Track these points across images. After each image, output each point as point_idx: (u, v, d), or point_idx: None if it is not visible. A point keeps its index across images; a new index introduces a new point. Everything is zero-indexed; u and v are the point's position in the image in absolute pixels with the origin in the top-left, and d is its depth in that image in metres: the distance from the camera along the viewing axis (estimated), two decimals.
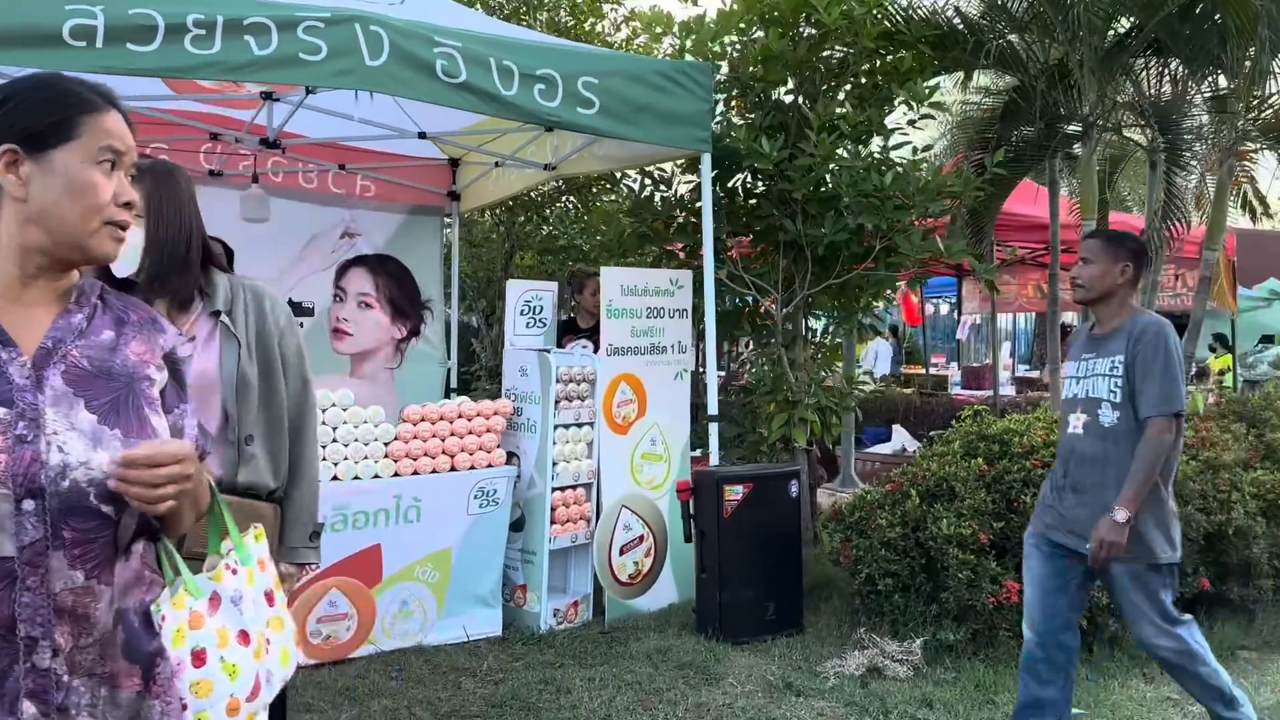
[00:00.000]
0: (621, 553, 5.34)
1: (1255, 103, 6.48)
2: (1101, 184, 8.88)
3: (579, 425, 5.27)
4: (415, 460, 4.75)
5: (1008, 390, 11.52)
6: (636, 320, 5.47)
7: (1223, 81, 6.36)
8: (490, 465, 4.95)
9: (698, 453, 5.76)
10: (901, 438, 9.01)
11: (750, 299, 6.04)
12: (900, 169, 5.49)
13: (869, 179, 5.38)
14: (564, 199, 9.40)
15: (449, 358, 7.87)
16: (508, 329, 5.31)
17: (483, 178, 7.53)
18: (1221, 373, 11.41)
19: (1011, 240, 9.59)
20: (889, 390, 10.53)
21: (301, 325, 5.78)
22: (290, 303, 5.62)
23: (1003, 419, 4.97)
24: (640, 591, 5.43)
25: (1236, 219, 10.15)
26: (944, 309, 19.58)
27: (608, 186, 8.99)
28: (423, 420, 4.82)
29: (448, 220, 8.08)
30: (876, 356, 16.29)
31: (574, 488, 5.24)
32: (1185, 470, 4.71)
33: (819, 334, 6.31)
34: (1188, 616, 3.44)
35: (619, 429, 5.40)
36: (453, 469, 4.86)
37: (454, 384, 7.83)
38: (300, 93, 5.91)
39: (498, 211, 9.14)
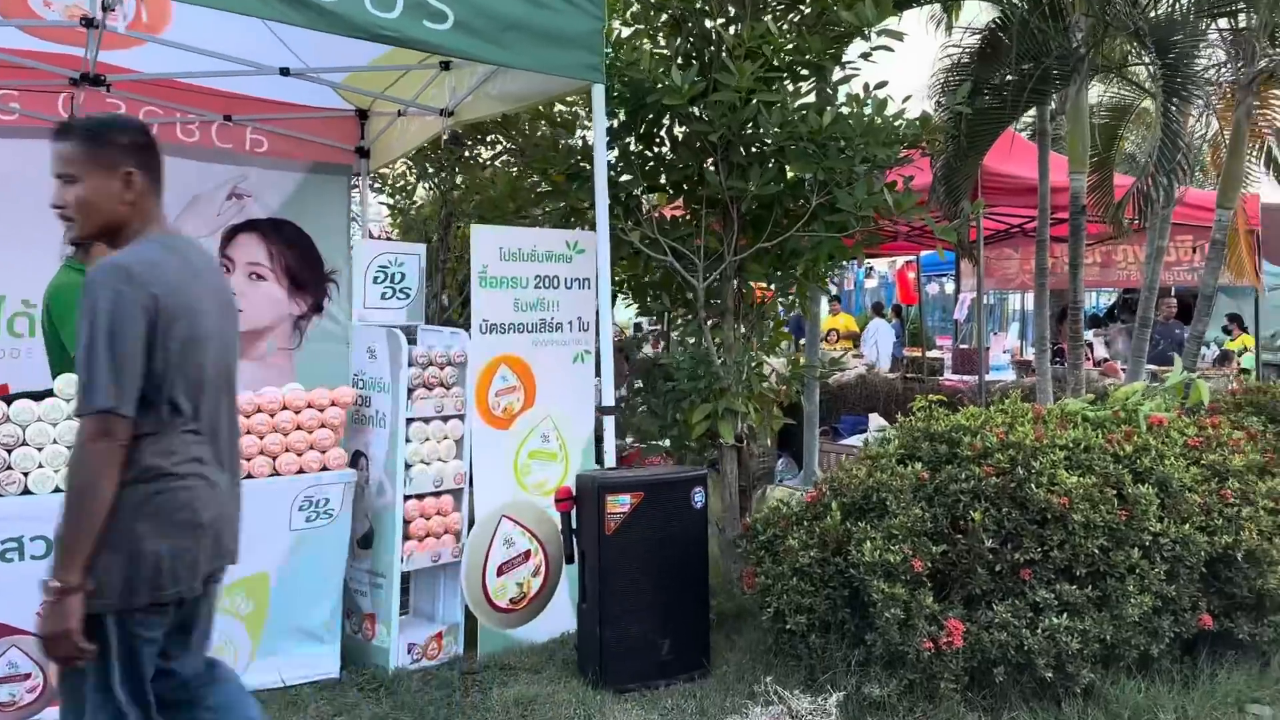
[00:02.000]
0: (499, 573, 4.41)
1: None
2: (1107, 140, 7.86)
3: (443, 419, 4.33)
4: None
5: (1007, 375, 10.57)
6: (521, 291, 4.53)
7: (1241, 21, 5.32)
8: (324, 468, 4.03)
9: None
10: (878, 427, 8.02)
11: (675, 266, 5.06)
12: (842, 108, 4.52)
13: (805, 120, 4.41)
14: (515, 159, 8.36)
15: None
16: (356, 300, 4.38)
17: (388, 129, 6.60)
18: (1239, 353, 10.36)
19: (1007, 206, 8.54)
20: (870, 375, 9.52)
21: None
22: None
23: (956, 413, 3.98)
24: (526, 619, 4.51)
25: (1260, 184, 9.06)
26: (949, 287, 18.45)
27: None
28: None
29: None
30: (878, 338, 15.12)
31: (436, 495, 4.30)
32: (1183, 479, 3.72)
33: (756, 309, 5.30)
34: None
35: (498, 423, 4.46)
36: (275, 474, 3.94)
37: None
38: (119, 19, 5.02)
39: (431, 171, 8.15)
